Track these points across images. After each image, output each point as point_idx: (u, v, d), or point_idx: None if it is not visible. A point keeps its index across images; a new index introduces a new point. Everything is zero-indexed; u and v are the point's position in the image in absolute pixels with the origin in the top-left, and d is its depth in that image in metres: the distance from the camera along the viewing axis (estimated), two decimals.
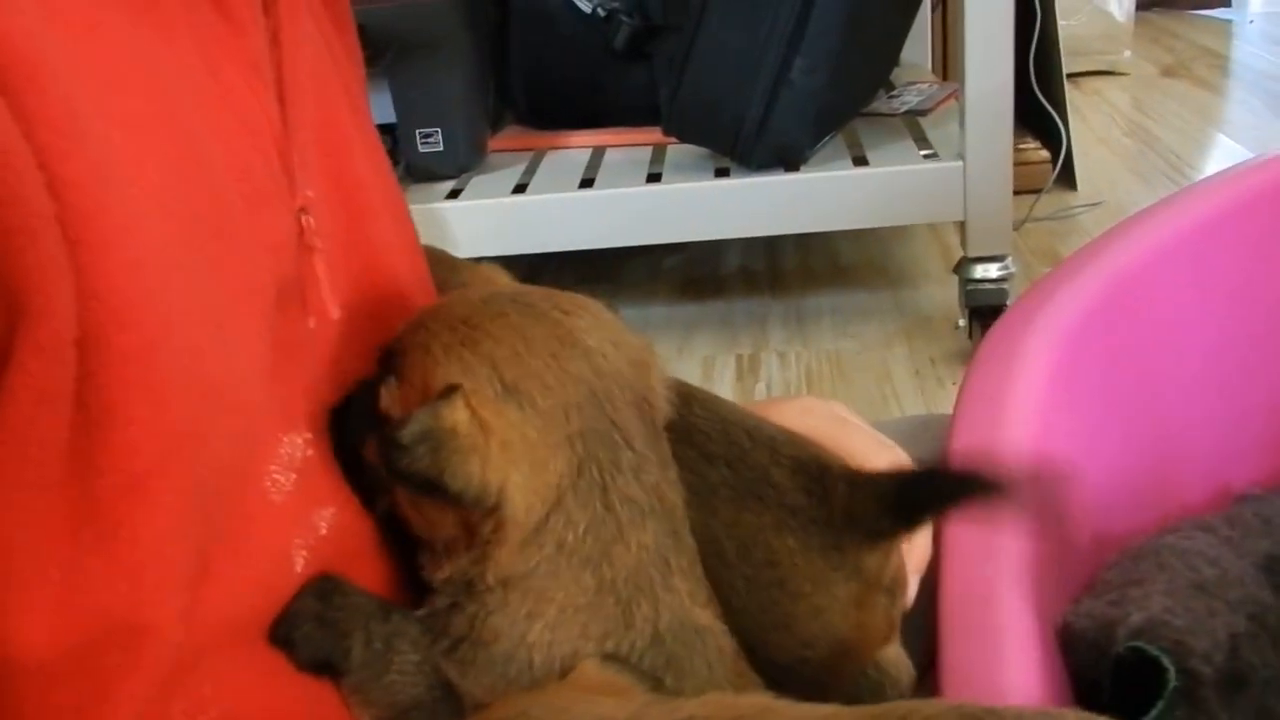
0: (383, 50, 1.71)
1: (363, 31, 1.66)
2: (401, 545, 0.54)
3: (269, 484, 0.48)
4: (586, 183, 1.79)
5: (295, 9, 0.55)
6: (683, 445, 0.58)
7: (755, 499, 0.58)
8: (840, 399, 0.88)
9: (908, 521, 0.59)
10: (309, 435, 0.51)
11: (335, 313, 0.52)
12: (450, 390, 0.46)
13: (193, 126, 0.44)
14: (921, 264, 2.06)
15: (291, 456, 0.49)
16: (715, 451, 0.58)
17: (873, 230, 2.08)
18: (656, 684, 0.50)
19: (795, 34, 1.62)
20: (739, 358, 1.78)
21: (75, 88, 0.38)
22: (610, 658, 0.50)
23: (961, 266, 1.71)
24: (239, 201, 0.46)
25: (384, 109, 1.89)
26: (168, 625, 0.41)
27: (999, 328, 0.90)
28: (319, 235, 0.52)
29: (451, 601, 0.50)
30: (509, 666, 0.49)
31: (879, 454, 0.65)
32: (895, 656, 0.64)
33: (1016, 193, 1.75)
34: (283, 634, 0.49)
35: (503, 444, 0.47)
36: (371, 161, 0.62)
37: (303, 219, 0.51)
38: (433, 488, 0.46)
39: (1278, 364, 1.02)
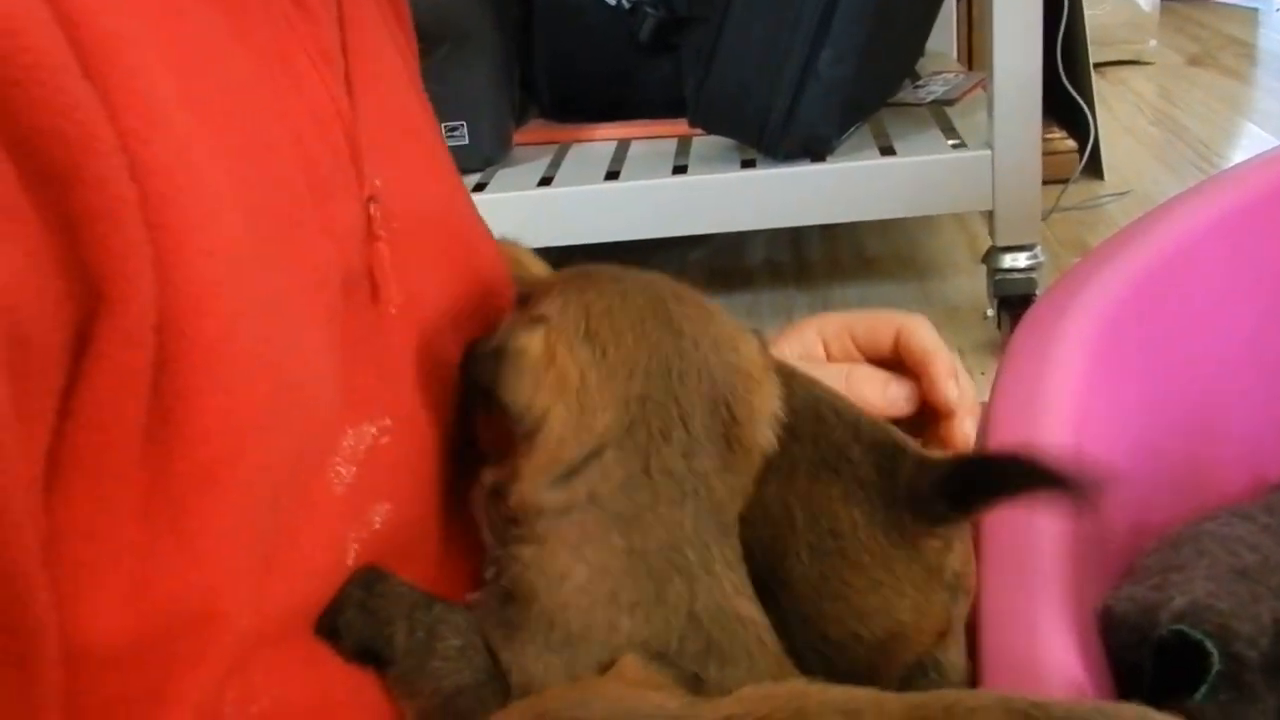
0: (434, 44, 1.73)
1: None
2: (450, 546, 0.55)
3: (332, 476, 0.48)
4: (612, 175, 1.79)
5: None
6: None
7: (831, 471, 0.59)
8: None
9: (963, 507, 0.59)
10: (387, 422, 0.51)
11: (400, 299, 0.53)
12: (538, 319, 0.50)
13: (263, 117, 0.44)
14: (949, 254, 2.05)
15: (355, 449, 0.49)
16: (802, 429, 0.59)
17: (898, 221, 2.08)
18: (697, 683, 0.50)
19: (822, 25, 1.62)
20: None
21: (155, 73, 0.38)
22: (653, 656, 0.50)
23: (990, 256, 1.71)
24: (306, 193, 0.46)
25: None
26: (235, 613, 0.41)
27: (1031, 318, 0.90)
28: (387, 223, 0.52)
29: (495, 568, 0.51)
30: (551, 634, 0.50)
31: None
32: (956, 660, 0.64)
33: (1044, 183, 1.73)
34: (328, 623, 0.50)
35: (561, 377, 0.49)
36: (439, 145, 0.64)
37: (371, 207, 0.51)
38: (489, 399, 0.49)
39: None
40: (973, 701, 0.48)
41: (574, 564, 0.50)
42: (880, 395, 0.67)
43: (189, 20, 0.41)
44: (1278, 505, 0.90)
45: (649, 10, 1.87)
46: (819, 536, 0.58)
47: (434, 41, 1.80)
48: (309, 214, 0.46)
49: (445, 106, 1.84)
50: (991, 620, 0.66)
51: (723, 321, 0.54)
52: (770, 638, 0.55)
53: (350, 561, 0.49)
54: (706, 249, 2.14)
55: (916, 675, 0.63)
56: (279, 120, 0.46)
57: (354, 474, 0.49)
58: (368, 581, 0.50)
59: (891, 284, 1.97)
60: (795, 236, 2.15)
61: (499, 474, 0.51)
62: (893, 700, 0.48)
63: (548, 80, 2.04)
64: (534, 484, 0.50)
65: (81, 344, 0.36)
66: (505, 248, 0.71)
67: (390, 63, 0.59)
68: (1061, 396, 0.82)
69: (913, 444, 0.62)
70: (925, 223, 2.11)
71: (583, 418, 0.50)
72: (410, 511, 0.52)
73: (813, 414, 0.60)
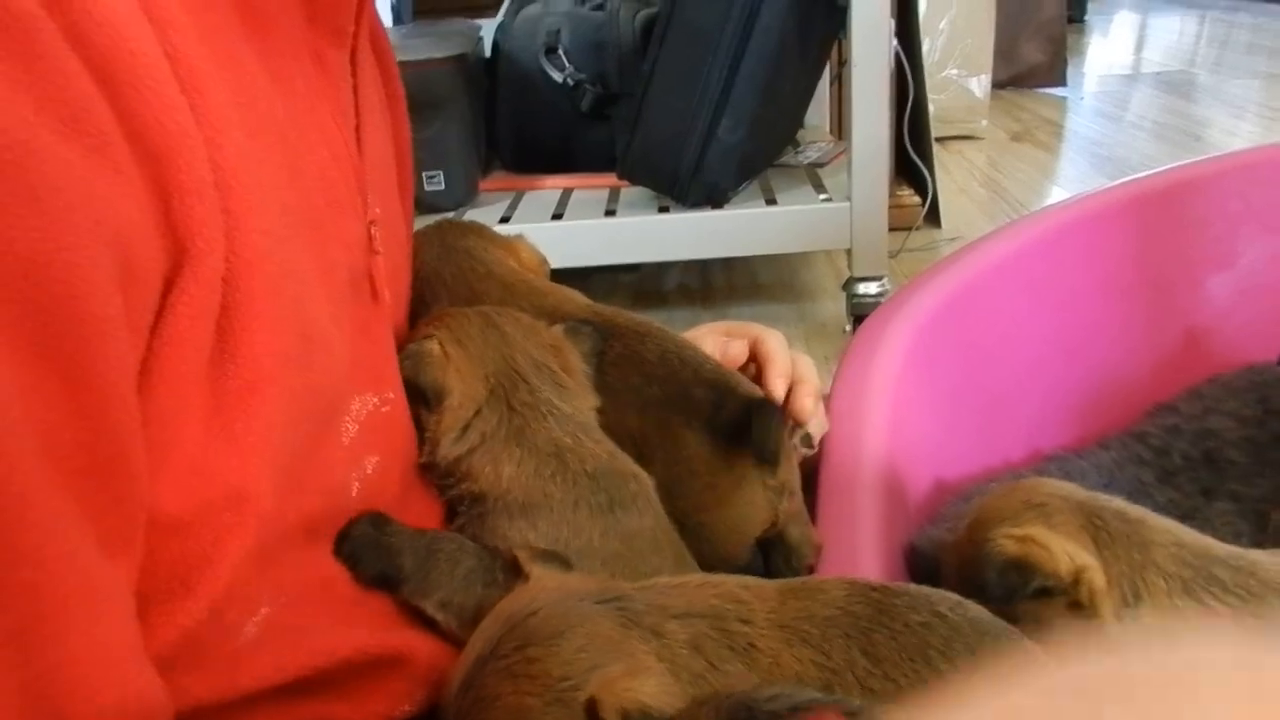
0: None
1: None
2: (412, 488, 0.60)
3: (341, 429, 0.50)
4: (557, 216, 1.82)
5: (370, 74, 0.59)
6: (632, 372, 0.66)
7: (676, 407, 0.65)
8: None
9: (745, 440, 0.65)
10: (390, 395, 0.55)
11: (389, 301, 0.58)
12: (429, 335, 0.62)
13: (296, 150, 0.47)
14: (819, 282, 2.09)
15: (359, 412, 0.52)
16: (654, 374, 0.66)
17: (783, 256, 2.11)
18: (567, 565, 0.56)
19: (721, 99, 1.66)
20: None
21: (222, 98, 0.40)
22: (540, 555, 0.54)
23: (849, 285, 1.75)
24: (324, 207, 0.49)
25: None
26: (265, 497, 0.42)
27: (864, 326, 0.96)
28: (384, 242, 0.56)
29: (454, 493, 0.61)
30: (511, 509, 0.59)
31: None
32: (800, 535, 0.69)
33: (893, 229, 1.79)
34: (347, 551, 0.51)
35: (455, 365, 0.60)
36: (405, 187, 0.68)
37: (371, 229, 0.55)
38: (415, 387, 0.59)
39: (1085, 357, 1.09)
40: (827, 583, 0.53)
41: (501, 466, 0.59)
42: (721, 351, 0.73)
43: (245, 67, 0.44)
44: (1046, 471, 0.97)
45: (588, 86, 1.90)
46: (668, 453, 0.65)
47: (419, 106, 1.83)
48: (326, 223, 0.49)
49: (426, 157, 1.88)
50: (826, 552, 0.72)
51: (528, 324, 0.65)
52: (652, 493, 0.63)
53: (354, 494, 0.52)
54: (633, 275, 2.17)
55: (770, 548, 0.68)
56: (309, 153, 0.49)
57: (356, 430, 0.51)
58: (376, 523, 0.53)
59: (776, 304, 2.01)
60: (703, 266, 2.18)
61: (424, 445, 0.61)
62: (768, 584, 0.53)
63: (508, 139, 2.06)
64: (446, 440, 0.60)
65: (168, 286, 0.39)
66: (513, 241, 0.79)
67: (383, 121, 0.62)
68: (884, 384, 0.88)
69: (745, 385, 0.68)
70: (802, 258, 2.15)
71: (469, 387, 0.60)
72: (390, 463, 0.55)
73: (661, 361, 0.67)
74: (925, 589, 0.56)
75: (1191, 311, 1.08)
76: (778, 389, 0.69)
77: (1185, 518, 0.74)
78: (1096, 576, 0.62)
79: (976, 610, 0.53)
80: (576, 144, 1.99)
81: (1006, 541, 0.63)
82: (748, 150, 1.73)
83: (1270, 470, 0.96)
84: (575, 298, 0.73)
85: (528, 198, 1.95)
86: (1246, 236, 1.08)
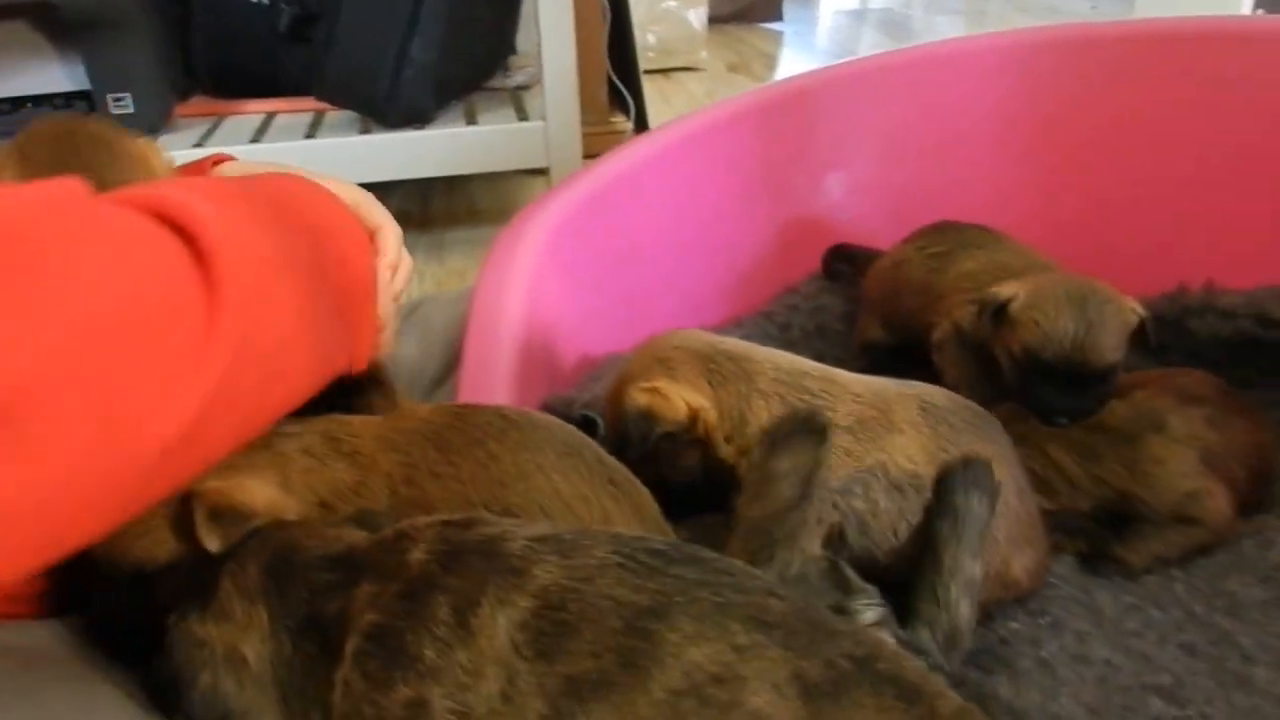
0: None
1: (56, 9, 1.61)
2: None
3: None
4: (257, 140, 1.81)
5: None
6: None
7: None
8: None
9: None
10: None
11: None
12: None
13: None
14: None
15: None
16: None
17: (501, 181, 2.16)
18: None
19: (413, 19, 1.69)
20: None
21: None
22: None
23: None
24: None
25: (80, 77, 1.84)
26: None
27: (511, 223, 1.05)
28: None
29: None
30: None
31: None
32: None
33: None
34: None
35: None
36: None
37: None
38: None
39: (723, 249, 1.22)
40: (420, 407, 0.66)
41: None
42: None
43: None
44: None
45: (284, 5, 1.89)
46: None
47: (101, 26, 1.75)
48: None
49: (111, 80, 1.81)
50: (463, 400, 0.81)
51: None
52: None
53: None
54: None
55: None
56: None
57: None
58: None
59: (492, 228, 2.05)
60: (423, 192, 2.19)
61: None
62: (377, 416, 0.65)
63: (205, 64, 2.01)
64: None
65: None
66: (139, 144, 0.75)
67: None
68: (522, 275, 0.98)
69: None
70: (518, 183, 2.20)
71: None
72: None
73: None
74: (503, 406, 0.67)
75: (811, 206, 1.24)
76: (385, 278, 0.76)
77: None
78: (709, 415, 0.75)
79: (541, 415, 0.65)
80: (279, 67, 1.97)
81: (637, 395, 0.75)
82: (445, 71, 1.77)
83: None
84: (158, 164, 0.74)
85: (228, 122, 1.92)
86: (856, 139, 1.24)
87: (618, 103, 2.39)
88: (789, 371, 0.75)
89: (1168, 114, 1.16)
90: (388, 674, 0.43)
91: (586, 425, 0.87)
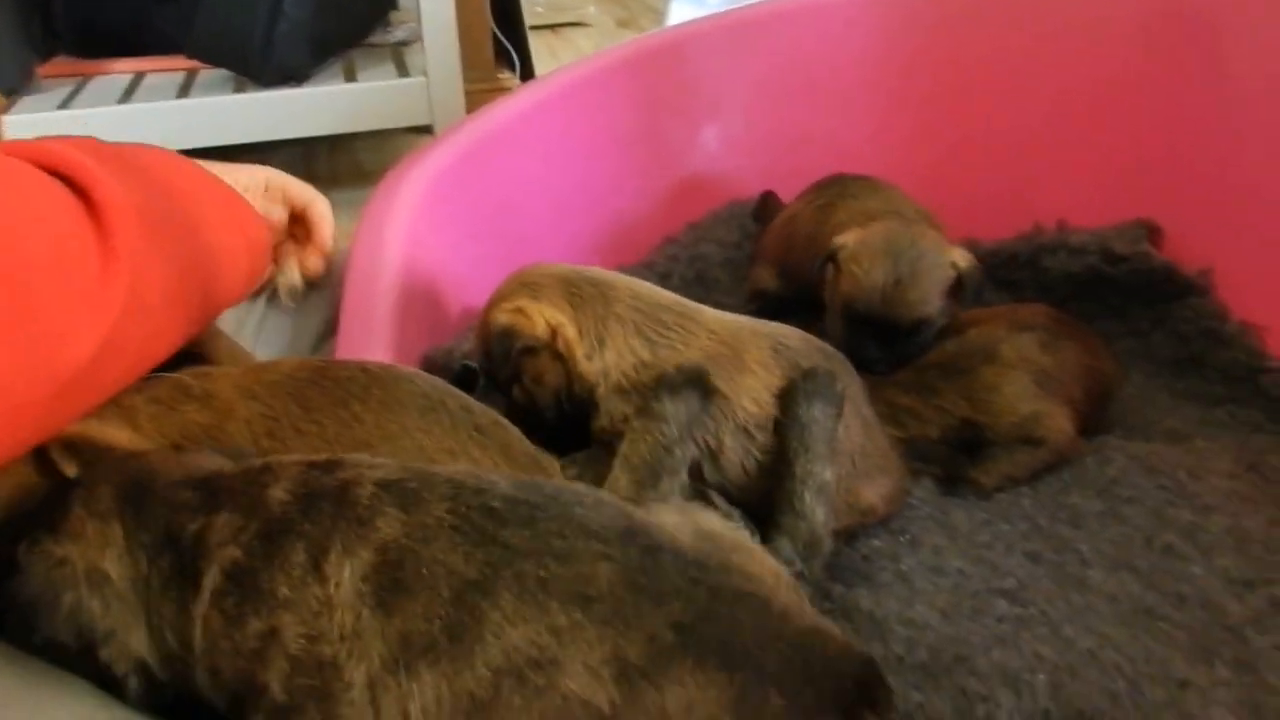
0: None
1: None
2: None
3: None
4: (126, 100, 1.76)
5: None
6: None
7: None
8: None
9: None
10: None
11: None
12: None
13: None
14: None
15: None
16: None
17: (387, 140, 2.12)
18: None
19: None
20: None
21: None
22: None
23: None
24: None
25: None
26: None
27: (388, 176, 1.06)
28: None
29: None
30: None
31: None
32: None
33: None
34: None
35: None
36: None
37: None
38: None
39: (603, 201, 1.23)
40: (283, 361, 0.67)
41: None
42: (264, 215, 0.83)
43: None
44: None
45: None
46: None
47: None
48: None
49: None
50: (341, 355, 0.82)
51: None
52: None
53: None
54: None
55: None
56: None
57: None
58: None
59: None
60: (306, 153, 2.15)
61: None
62: (238, 367, 0.68)
63: (68, 23, 1.93)
64: None
65: None
66: None
67: None
68: (399, 227, 0.99)
69: None
70: (404, 141, 2.14)
71: None
72: None
73: None
74: (366, 361, 0.68)
75: (688, 157, 1.27)
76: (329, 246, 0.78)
77: None
78: (568, 331, 0.77)
79: (404, 369, 0.67)
80: (148, 24, 1.91)
81: (500, 314, 0.79)
82: (321, 27, 1.75)
83: (741, 284, 1.17)
84: None
85: (94, 83, 1.86)
86: (730, 91, 1.27)
87: (504, 59, 2.37)
88: (647, 301, 0.78)
89: (1022, 60, 1.22)
90: (241, 610, 0.44)
91: (467, 374, 0.89)
